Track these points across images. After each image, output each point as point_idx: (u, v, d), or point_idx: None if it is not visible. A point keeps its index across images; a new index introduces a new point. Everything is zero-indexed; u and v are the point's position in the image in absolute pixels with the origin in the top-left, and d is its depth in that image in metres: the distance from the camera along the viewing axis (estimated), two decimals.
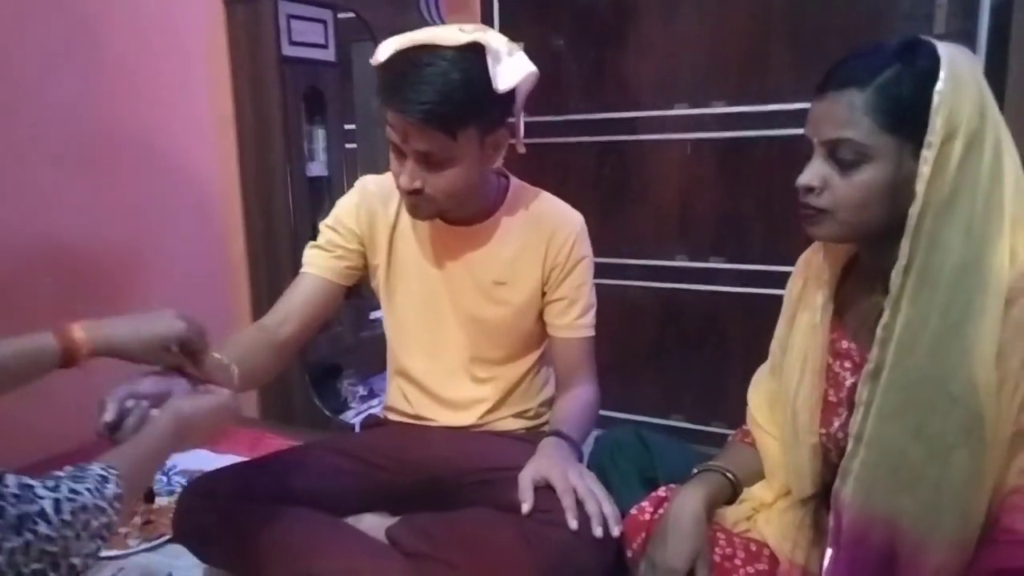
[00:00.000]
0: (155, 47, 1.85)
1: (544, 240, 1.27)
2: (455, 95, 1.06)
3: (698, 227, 2.35)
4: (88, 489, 0.72)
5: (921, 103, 0.81)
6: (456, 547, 1.05)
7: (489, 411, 1.33)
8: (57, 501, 0.70)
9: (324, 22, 2.05)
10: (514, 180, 1.34)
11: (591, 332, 1.32)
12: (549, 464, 1.07)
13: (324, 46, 2.05)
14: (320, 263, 1.29)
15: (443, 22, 2.60)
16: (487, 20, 2.82)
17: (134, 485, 0.80)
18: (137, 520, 1.35)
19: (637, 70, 2.33)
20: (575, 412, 1.26)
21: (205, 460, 1.62)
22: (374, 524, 1.22)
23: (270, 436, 1.74)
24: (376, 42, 2.36)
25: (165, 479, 1.58)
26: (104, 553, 1.23)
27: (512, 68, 1.13)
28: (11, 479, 0.68)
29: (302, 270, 1.31)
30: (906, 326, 0.82)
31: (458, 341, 1.31)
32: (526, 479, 1.06)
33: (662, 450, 1.19)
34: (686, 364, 2.37)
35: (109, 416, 0.90)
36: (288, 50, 1.94)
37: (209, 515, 1.11)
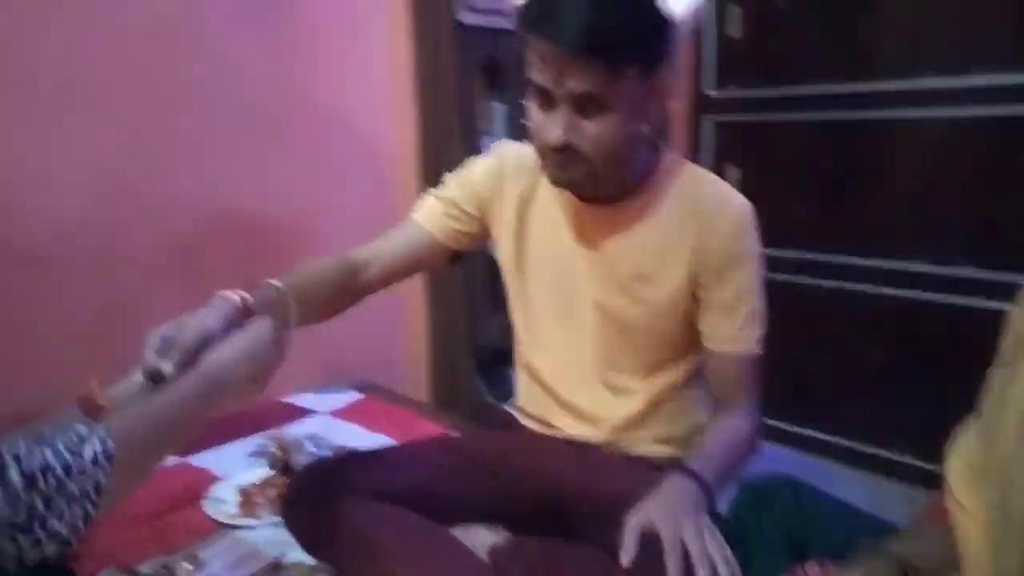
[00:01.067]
0: (337, 15, 1.85)
1: (699, 230, 1.04)
2: (619, 15, 0.90)
3: (945, 224, 1.94)
4: (62, 452, 0.63)
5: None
6: None
7: (624, 429, 1.13)
8: (24, 473, 0.61)
9: None
10: (668, 153, 1.11)
11: (755, 348, 1.06)
12: (662, 511, 0.87)
13: (507, 13, 1.94)
14: (431, 216, 1.17)
15: None
16: None
17: (137, 447, 0.70)
18: (272, 493, 1.34)
19: (877, 32, 1.95)
20: (718, 446, 1.03)
21: (357, 436, 1.60)
22: (482, 538, 1.08)
23: (424, 421, 1.68)
24: None
25: (315, 451, 1.57)
26: (230, 521, 1.23)
27: None
28: None
29: (411, 215, 1.19)
30: None
31: (593, 341, 1.12)
32: (632, 526, 0.85)
33: (822, 512, 0.92)
34: (916, 389, 1.98)
35: (150, 362, 0.81)
36: (465, 16, 1.85)
37: (311, 504, 1.04)
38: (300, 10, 1.77)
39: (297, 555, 1.08)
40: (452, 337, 2.06)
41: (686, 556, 0.81)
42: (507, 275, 1.19)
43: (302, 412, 1.73)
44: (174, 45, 1.58)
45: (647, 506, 0.88)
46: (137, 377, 0.84)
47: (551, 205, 1.12)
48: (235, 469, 1.41)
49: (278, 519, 1.13)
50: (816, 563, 0.82)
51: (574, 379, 1.15)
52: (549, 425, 1.19)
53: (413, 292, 2.09)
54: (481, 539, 1.08)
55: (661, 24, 0.94)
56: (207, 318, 0.87)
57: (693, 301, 1.07)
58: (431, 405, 1.91)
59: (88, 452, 0.64)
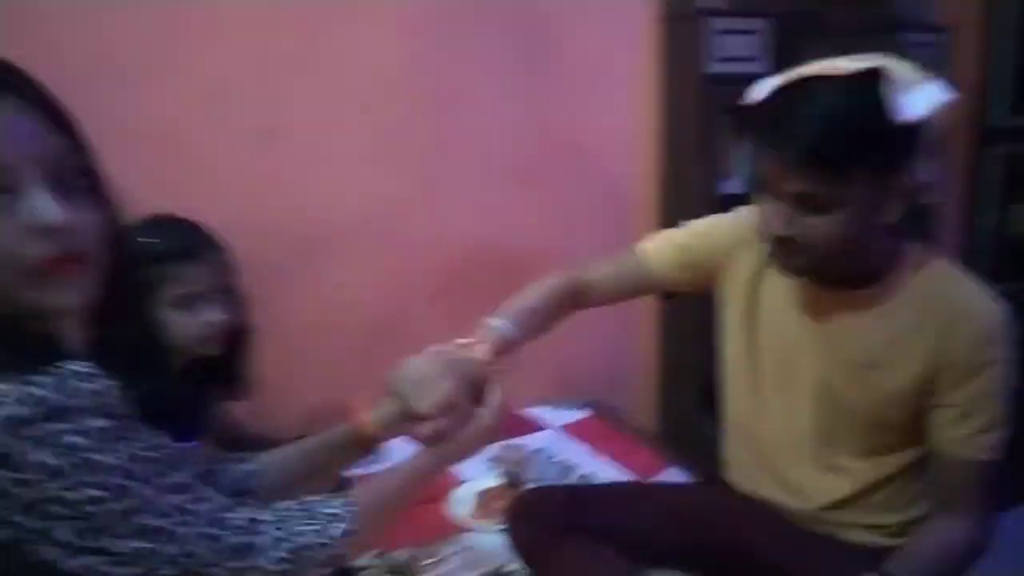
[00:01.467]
0: (595, 66, 2.00)
1: (939, 329, 1.03)
2: (843, 127, 0.94)
3: None
4: (314, 530, 0.79)
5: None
6: None
7: (832, 508, 1.15)
8: (277, 540, 0.75)
9: (758, 33, 1.95)
10: (913, 245, 1.10)
11: (987, 455, 1.03)
12: None
13: (753, 59, 1.96)
14: (660, 256, 1.28)
15: (931, 16, 2.24)
16: None
17: (375, 516, 0.87)
18: (503, 503, 1.54)
19: None
20: (926, 549, 1.03)
21: (580, 455, 1.76)
22: None
23: (644, 449, 1.79)
24: (828, 42, 2.19)
25: (543, 466, 1.76)
26: (467, 523, 1.45)
27: (920, 97, 0.94)
28: (244, 511, 0.76)
29: (640, 246, 1.30)
30: None
31: (810, 418, 1.16)
32: None
33: None
34: None
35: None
36: (713, 67, 1.91)
37: (524, 528, 1.22)
38: (557, 64, 1.95)
39: (517, 565, 1.26)
40: (681, 367, 2.14)
41: None
42: (730, 334, 1.26)
43: (535, 426, 1.93)
44: (448, 98, 1.84)
45: None
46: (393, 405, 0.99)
47: (785, 279, 1.15)
48: (475, 474, 1.64)
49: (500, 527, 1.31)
50: None
51: (787, 451, 1.19)
52: (758, 489, 1.24)
53: (647, 317, 2.20)
54: None
55: (896, 129, 0.94)
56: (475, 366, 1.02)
57: (925, 396, 1.06)
58: (653, 432, 2.01)
59: (337, 530, 0.80)
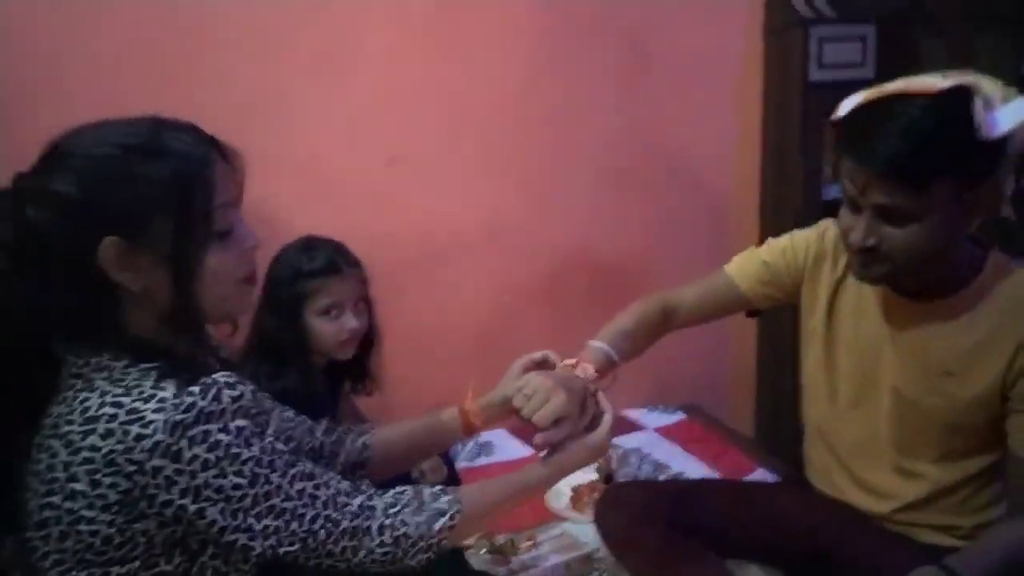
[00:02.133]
0: (696, 76, 2.06)
1: (1017, 336, 1.07)
2: (926, 143, 0.99)
3: None
4: (419, 523, 0.90)
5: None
6: None
7: (905, 509, 1.20)
8: (383, 527, 0.88)
9: (863, 39, 1.95)
10: (995, 254, 1.14)
11: None
12: None
13: (860, 64, 1.96)
14: (745, 275, 1.34)
15: None
16: None
17: (477, 518, 0.97)
18: (595, 495, 1.65)
19: None
20: (993, 546, 1.06)
21: (674, 456, 1.83)
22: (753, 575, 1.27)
23: (736, 451, 1.85)
24: (938, 40, 2.15)
25: (636, 462, 1.86)
26: (562, 513, 1.58)
27: (1007, 114, 0.98)
28: (359, 498, 0.89)
29: (727, 268, 1.37)
30: None
31: (887, 425, 1.21)
32: None
33: None
34: None
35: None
36: (816, 75, 1.93)
37: (612, 518, 1.33)
38: (657, 71, 2.02)
39: (605, 552, 1.38)
40: (778, 374, 2.17)
41: None
42: (810, 343, 1.32)
43: (633, 426, 2.03)
44: (553, 115, 1.96)
45: None
46: (501, 393, 1.14)
47: (864, 289, 1.21)
48: None
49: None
50: None
51: (865, 456, 1.25)
52: (837, 489, 1.30)
53: (744, 325, 2.24)
54: (750, 574, 1.27)
55: (978, 145, 0.98)
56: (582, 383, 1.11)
57: (1001, 404, 1.09)
58: (747, 437, 2.05)
59: (439, 525, 0.91)
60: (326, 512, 0.85)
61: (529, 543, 1.44)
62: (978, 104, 0.97)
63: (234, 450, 0.79)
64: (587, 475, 1.70)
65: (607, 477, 1.69)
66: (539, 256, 2.04)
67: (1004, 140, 0.99)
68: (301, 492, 0.84)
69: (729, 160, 2.15)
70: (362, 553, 0.87)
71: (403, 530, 0.89)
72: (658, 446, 1.90)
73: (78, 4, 1.61)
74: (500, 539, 1.44)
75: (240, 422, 0.80)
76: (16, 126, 1.33)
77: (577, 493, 1.63)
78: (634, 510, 1.30)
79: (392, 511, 0.90)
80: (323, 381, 1.45)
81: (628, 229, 2.09)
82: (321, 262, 1.40)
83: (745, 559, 1.30)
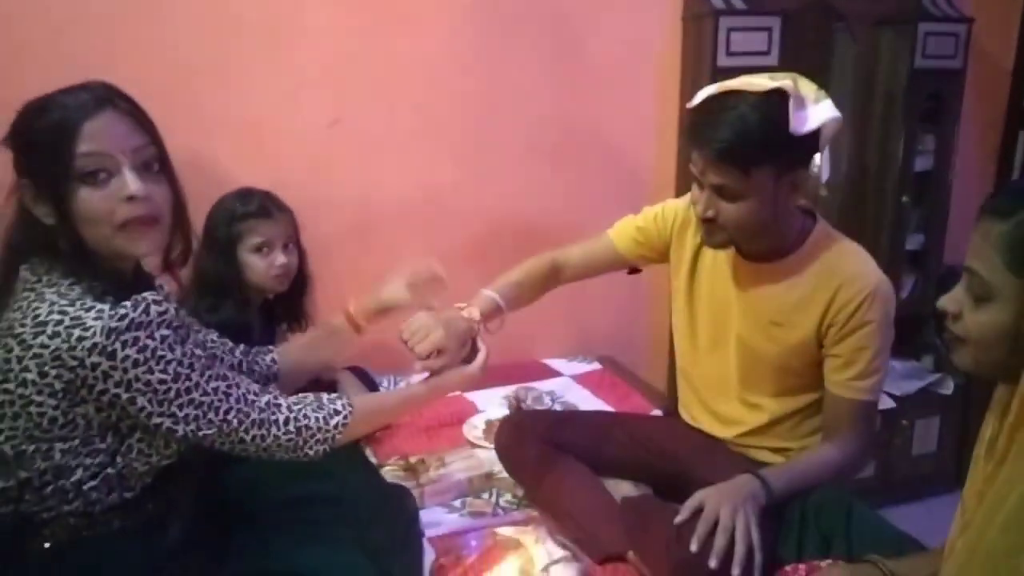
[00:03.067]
0: (620, 59, 2.25)
1: (828, 293, 1.28)
2: (750, 135, 1.19)
3: None
4: (318, 417, 1.12)
5: None
6: (634, 531, 1.28)
7: (747, 434, 1.43)
8: (287, 419, 1.08)
9: (768, 30, 2.14)
10: (821, 224, 1.36)
11: (866, 396, 1.29)
12: (716, 493, 1.19)
13: (765, 52, 2.16)
14: (623, 238, 1.56)
15: (950, 7, 2.35)
16: None
17: (366, 420, 1.22)
18: None
19: None
20: (799, 463, 1.30)
21: (583, 399, 2.05)
22: (623, 489, 1.50)
23: (638, 396, 2.08)
24: (852, 34, 2.36)
25: (550, 403, 2.07)
26: (475, 441, 1.79)
27: (814, 113, 1.20)
28: (267, 396, 1.09)
29: (609, 231, 1.59)
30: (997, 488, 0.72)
31: (734, 365, 1.43)
32: (693, 499, 1.20)
33: (865, 525, 1.14)
34: None
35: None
36: (723, 60, 2.12)
37: (504, 439, 1.54)
38: (584, 53, 2.22)
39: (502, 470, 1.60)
40: None
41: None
42: (677, 297, 1.53)
43: (552, 372, 2.25)
44: (485, 93, 2.15)
45: (709, 489, 1.21)
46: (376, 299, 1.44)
47: (719, 253, 1.43)
48: (490, 406, 1.98)
49: None
50: (804, 564, 1.07)
51: (717, 391, 1.48)
52: (694, 419, 1.53)
53: (661, 285, 2.46)
54: (622, 489, 1.50)
55: (789, 139, 1.18)
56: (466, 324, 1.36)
57: (818, 349, 1.32)
58: (648, 383, 2.27)
59: (333, 422, 1.13)
60: (238, 406, 1.05)
61: (438, 463, 1.65)
62: (791, 104, 1.17)
63: (159, 352, 0.96)
64: (501, 411, 1.93)
65: (517, 412, 1.90)
66: (471, 221, 2.23)
67: (814, 136, 1.21)
68: (216, 389, 1.03)
69: (649, 136, 2.35)
70: (269, 439, 1.07)
71: (304, 422, 1.11)
72: (570, 390, 2.12)
73: None
74: (413, 459, 1.65)
75: (164, 331, 0.97)
76: None
77: (489, 426, 1.85)
78: (522, 432, 1.52)
79: (296, 407, 1.11)
80: (259, 317, 1.65)
81: (555, 197, 2.29)
82: (254, 206, 1.60)
83: (618, 477, 1.53)
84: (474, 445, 1.79)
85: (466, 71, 2.12)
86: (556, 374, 2.25)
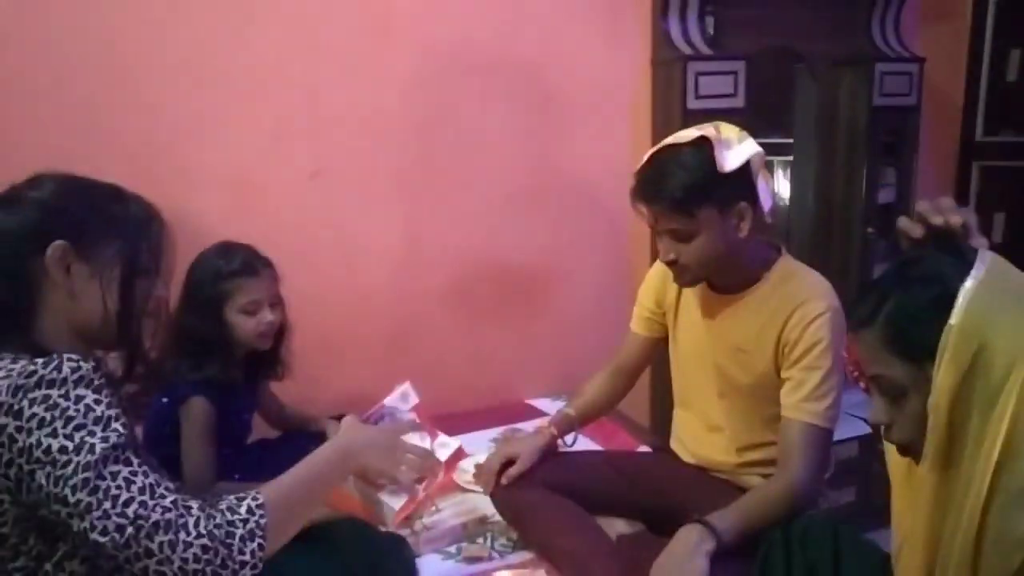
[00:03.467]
0: (593, 104, 2.32)
1: (784, 316, 1.35)
2: (686, 181, 1.29)
3: None
4: (234, 515, 0.91)
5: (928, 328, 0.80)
6: (631, 569, 1.30)
7: (738, 465, 1.47)
8: (198, 521, 0.87)
9: (734, 73, 2.23)
10: (785, 257, 1.43)
11: (815, 421, 1.32)
12: (655, 571, 1.20)
13: (732, 95, 2.24)
14: (640, 324, 1.64)
15: (902, 47, 2.48)
16: (979, 26, 2.60)
17: (281, 503, 0.96)
18: None
19: None
20: (747, 502, 1.30)
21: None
22: (617, 527, 1.51)
23: (625, 434, 2.10)
24: (813, 74, 2.46)
25: None
26: (466, 486, 1.80)
27: (738, 152, 1.30)
28: (174, 496, 0.87)
29: (631, 326, 1.67)
30: None
31: (715, 395, 1.48)
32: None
33: (851, 549, 1.16)
34: None
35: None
36: (693, 103, 2.20)
37: (506, 486, 1.55)
38: (557, 100, 2.28)
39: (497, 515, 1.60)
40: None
41: None
42: (671, 341, 1.59)
43: (537, 412, 2.26)
44: (461, 141, 2.20)
45: (655, 566, 1.21)
46: None
47: (692, 294, 1.51)
48: (479, 448, 1.98)
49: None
50: None
51: (698, 420, 1.53)
52: (689, 452, 1.57)
53: None
54: (616, 527, 1.51)
55: (722, 178, 1.28)
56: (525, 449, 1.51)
57: (778, 376, 1.37)
58: (635, 422, 2.30)
59: (250, 525, 0.91)
60: (141, 498, 0.85)
61: (432, 510, 1.65)
62: (717, 147, 1.28)
63: (70, 412, 0.84)
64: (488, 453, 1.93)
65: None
66: (452, 265, 2.26)
67: (745, 171, 1.30)
68: (116, 474, 0.85)
69: (623, 178, 2.39)
70: (179, 549, 0.85)
71: (221, 519, 0.89)
72: None
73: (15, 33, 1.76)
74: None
75: (81, 391, 0.85)
76: None
77: (479, 469, 1.85)
78: (521, 477, 1.53)
79: (208, 508, 0.90)
80: (241, 370, 1.64)
81: (535, 241, 2.34)
82: (238, 264, 1.57)
83: (611, 515, 1.54)
84: (465, 490, 1.79)
85: (444, 120, 2.17)
86: (541, 414, 2.25)
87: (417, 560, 1.46)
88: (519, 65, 2.23)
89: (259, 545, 0.91)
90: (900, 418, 0.87)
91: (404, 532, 1.54)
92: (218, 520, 0.89)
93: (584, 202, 2.39)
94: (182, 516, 0.87)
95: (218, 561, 0.87)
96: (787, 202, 2.69)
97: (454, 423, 2.04)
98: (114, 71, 1.83)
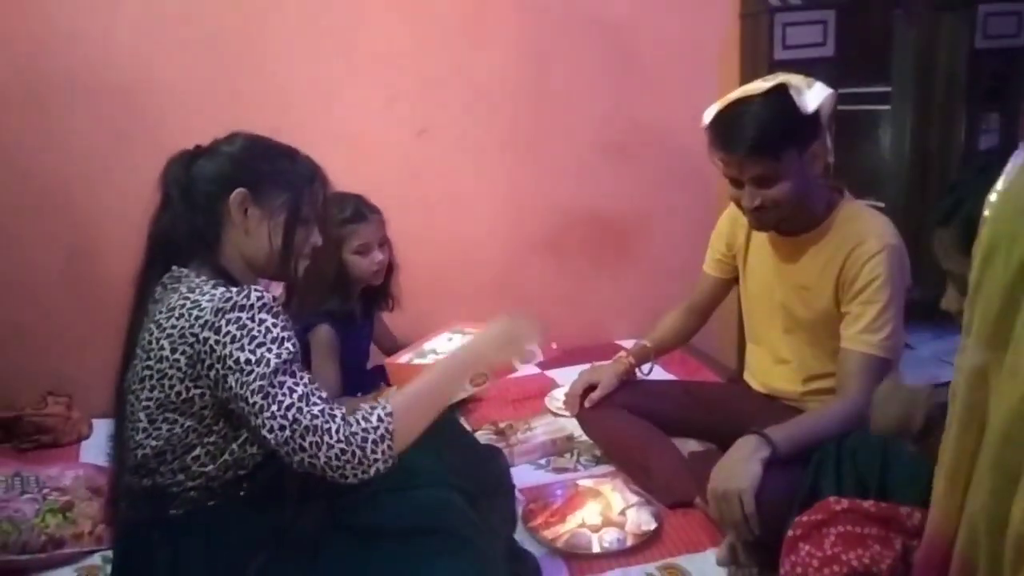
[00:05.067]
0: (681, 57, 2.43)
1: (844, 254, 1.43)
2: (770, 126, 1.38)
3: None
4: (367, 425, 1.05)
5: None
6: (700, 480, 1.44)
7: (804, 393, 1.58)
8: (340, 428, 1.03)
9: (824, 23, 2.26)
10: (848, 198, 1.51)
11: (872, 351, 1.40)
12: (718, 470, 1.34)
13: (822, 44, 2.27)
14: (713, 266, 1.75)
15: None
16: None
17: (407, 410, 1.10)
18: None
19: None
20: (807, 420, 1.41)
21: (656, 372, 2.19)
22: (690, 446, 1.69)
23: (704, 370, 2.24)
24: (911, 19, 2.44)
25: None
26: (556, 411, 1.99)
27: (814, 94, 1.38)
28: (323, 405, 1.04)
29: (704, 267, 1.78)
30: None
31: (781, 330, 1.59)
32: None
33: (901, 467, 1.23)
34: None
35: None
36: (780, 54, 2.26)
37: (592, 409, 1.71)
38: (646, 57, 2.40)
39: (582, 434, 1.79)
40: None
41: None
42: (742, 282, 1.70)
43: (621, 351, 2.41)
44: (557, 90, 2.36)
45: (714, 470, 1.34)
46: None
47: (760, 238, 1.60)
48: (569, 381, 2.16)
49: None
50: (846, 499, 1.17)
51: (767, 354, 1.64)
52: (758, 383, 1.69)
53: None
54: (689, 446, 1.68)
55: (802, 120, 1.37)
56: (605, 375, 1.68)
57: (839, 311, 1.46)
58: (718, 360, 2.41)
59: (380, 431, 1.05)
60: (299, 404, 1.03)
61: (526, 427, 1.86)
62: (793, 93, 1.36)
63: (254, 332, 1.04)
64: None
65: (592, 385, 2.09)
66: (546, 216, 2.44)
67: (818, 113, 1.38)
68: (283, 383, 1.03)
69: None
70: (323, 449, 1.02)
71: (354, 428, 1.05)
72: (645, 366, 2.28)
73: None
74: (502, 424, 1.86)
75: (263, 315, 1.05)
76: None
77: (566, 396, 2.04)
78: (602, 400, 1.71)
79: (348, 417, 1.06)
80: (358, 304, 1.90)
81: (623, 193, 2.48)
82: (350, 212, 1.81)
83: (685, 436, 1.70)
84: (556, 414, 1.99)
85: (537, 82, 2.34)
86: None
87: (512, 469, 1.66)
88: (610, 21, 2.36)
89: (388, 446, 1.06)
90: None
91: (500, 445, 1.75)
92: (354, 428, 1.05)
93: (672, 153, 2.48)
94: (327, 423, 1.03)
95: (355, 461, 1.04)
96: (885, 152, 2.68)
97: (550, 362, 2.23)
98: (254, 52, 2.11)
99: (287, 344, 1.07)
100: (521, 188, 2.40)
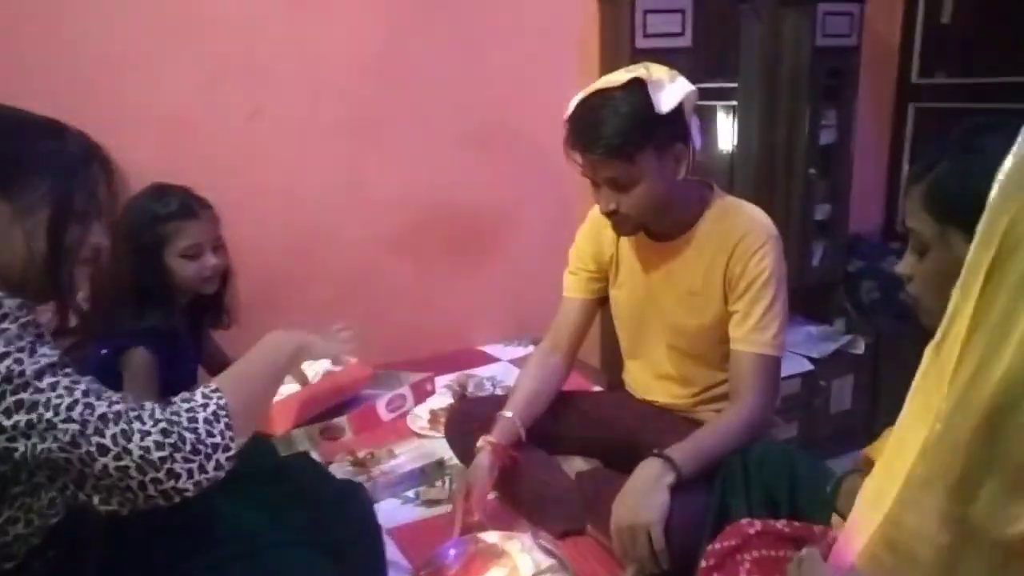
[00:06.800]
0: (541, 45, 2.28)
1: (727, 251, 1.35)
2: (624, 126, 1.25)
3: None
4: (192, 403, 0.88)
5: (970, 197, 0.73)
6: (590, 504, 1.32)
7: (691, 405, 1.49)
8: (153, 413, 0.83)
9: (682, 12, 2.21)
10: (717, 192, 1.42)
11: (764, 350, 1.33)
12: (620, 501, 1.22)
13: (680, 34, 2.22)
14: (578, 287, 1.56)
15: None
16: None
17: (235, 389, 0.93)
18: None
19: None
20: (708, 436, 1.30)
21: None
22: (576, 465, 1.54)
23: (576, 375, 2.11)
24: (757, 14, 2.45)
25: (491, 388, 2.08)
26: (420, 431, 1.79)
27: (672, 92, 1.27)
28: (118, 395, 0.83)
29: (565, 293, 1.58)
30: None
31: (663, 342, 1.48)
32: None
33: (807, 476, 1.19)
34: None
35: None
36: (641, 42, 2.17)
37: (455, 428, 1.55)
38: (505, 44, 2.23)
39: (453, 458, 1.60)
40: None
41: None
42: (612, 295, 1.56)
43: (490, 358, 2.26)
44: (410, 75, 2.13)
45: (616, 502, 1.21)
46: None
47: (631, 242, 1.48)
48: (433, 395, 1.97)
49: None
50: (758, 521, 1.11)
51: (647, 374, 1.54)
52: (640, 390, 1.57)
53: None
54: (574, 465, 1.53)
55: (660, 119, 1.25)
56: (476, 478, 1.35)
57: (727, 311, 1.38)
58: (588, 364, 2.32)
59: (211, 407, 0.88)
60: (86, 400, 0.80)
61: (388, 455, 1.63)
62: (651, 89, 1.24)
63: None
64: (444, 399, 1.92)
65: (461, 399, 1.90)
66: (398, 210, 2.21)
67: (680, 111, 1.28)
68: (55, 384, 0.79)
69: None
70: (136, 438, 0.80)
71: (178, 408, 0.86)
72: (510, 374, 2.13)
73: None
74: (361, 454, 1.63)
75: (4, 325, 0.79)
76: None
77: (433, 415, 1.84)
78: (470, 419, 1.52)
79: (163, 404, 0.87)
80: (184, 318, 1.57)
81: (481, 185, 2.30)
82: (175, 206, 1.49)
83: (569, 454, 1.55)
84: (420, 436, 1.78)
85: (385, 64, 2.09)
86: (494, 360, 2.26)
87: (376, 507, 1.44)
88: (465, 4, 2.16)
89: (227, 425, 0.87)
90: (919, 272, 0.87)
91: (360, 479, 1.52)
92: (175, 408, 0.86)
93: (532, 145, 2.34)
94: (134, 409, 0.82)
95: (187, 447, 0.83)
96: (731, 146, 2.71)
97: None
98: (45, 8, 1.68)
99: (42, 350, 0.81)
100: (369, 180, 2.15)
